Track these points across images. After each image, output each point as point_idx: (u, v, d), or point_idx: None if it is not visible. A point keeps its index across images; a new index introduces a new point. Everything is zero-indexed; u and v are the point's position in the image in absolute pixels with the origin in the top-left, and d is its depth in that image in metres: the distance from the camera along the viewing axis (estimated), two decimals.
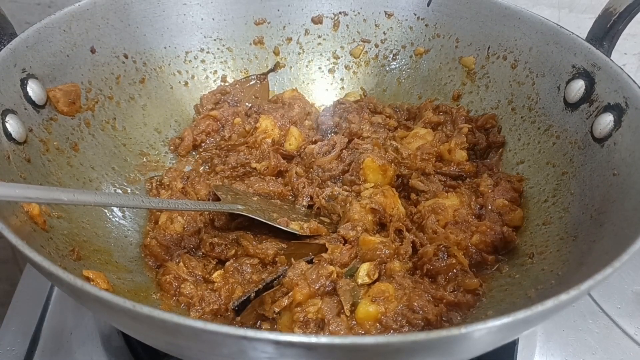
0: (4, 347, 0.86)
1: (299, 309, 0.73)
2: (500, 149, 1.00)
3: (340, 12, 1.15)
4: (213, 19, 1.10)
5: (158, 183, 0.96)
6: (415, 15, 1.11)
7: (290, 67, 1.18)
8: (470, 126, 1.01)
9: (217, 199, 0.89)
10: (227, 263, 0.83)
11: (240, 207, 0.86)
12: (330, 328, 0.71)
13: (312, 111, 1.12)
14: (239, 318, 0.75)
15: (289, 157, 1.02)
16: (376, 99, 1.14)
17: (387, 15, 1.14)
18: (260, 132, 1.02)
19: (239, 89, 1.12)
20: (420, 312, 0.72)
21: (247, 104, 1.11)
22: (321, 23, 1.16)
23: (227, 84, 1.13)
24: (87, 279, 0.72)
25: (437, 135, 1.00)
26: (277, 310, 0.74)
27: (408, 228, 0.85)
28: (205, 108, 1.07)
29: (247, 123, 1.04)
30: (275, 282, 0.77)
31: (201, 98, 1.10)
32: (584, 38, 0.88)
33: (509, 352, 0.87)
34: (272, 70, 1.16)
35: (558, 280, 0.73)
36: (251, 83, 1.14)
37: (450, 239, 0.83)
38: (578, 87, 0.87)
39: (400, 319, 0.72)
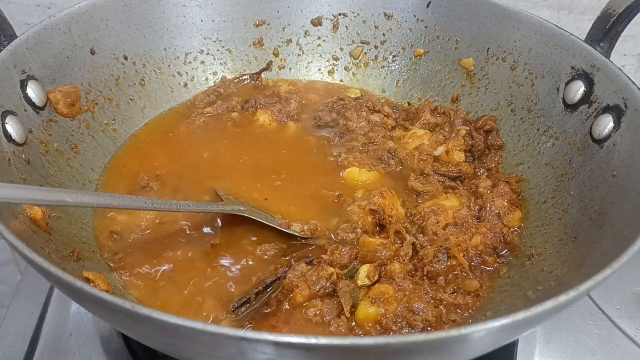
0: (3, 348, 0.86)
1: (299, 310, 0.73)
2: (500, 151, 1.00)
3: (339, 14, 1.16)
4: (213, 21, 1.11)
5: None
6: (415, 16, 1.12)
7: (290, 69, 1.18)
8: (467, 128, 1.01)
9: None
10: None
11: (242, 208, 0.86)
12: (330, 329, 0.71)
13: (309, 104, 1.13)
14: (248, 322, 0.75)
15: None
16: (376, 98, 1.15)
17: (386, 17, 1.14)
18: (258, 127, 1.04)
19: (233, 88, 1.13)
20: (420, 313, 0.72)
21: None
22: (321, 25, 1.16)
23: (219, 83, 1.14)
24: (87, 280, 0.72)
25: (435, 136, 1.01)
26: None
27: (408, 230, 0.85)
28: (198, 107, 1.08)
29: (245, 117, 1.05)
30: (275, 283, 0.77)
31: (195, 97, 1.10)
32: (583, 39, 0.88)
33: (509, 353, 0.87)
34: (265, 69, 1.17)
35: (557, 281, 0.73)
36: (245, 82, 1.15)
37: (450, 241, 0.83)
38: (577, 88, 0.87)
39: (400, 320, 0.72)
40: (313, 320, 0.73)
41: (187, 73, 1.11)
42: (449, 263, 0.79)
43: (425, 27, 1.11)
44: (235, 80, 1.15)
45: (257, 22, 1.14)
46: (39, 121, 0.84)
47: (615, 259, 0.57)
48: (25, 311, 0.91)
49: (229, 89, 1.13)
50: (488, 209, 0.88)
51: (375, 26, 1.15)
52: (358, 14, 1.15)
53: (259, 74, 1.16)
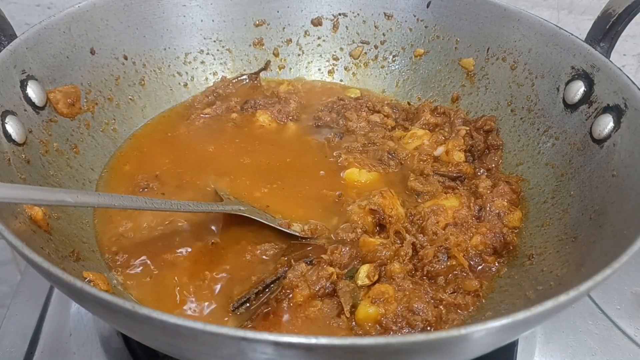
0: (3, 348, 0.86)
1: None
2: (499, 151, 1.00)
3: (339, 14, 1.16)
4: (213, 21, 1.11)
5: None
6: (415, 16, 1.12)
7: (290, 69, 1.18)
8: (467, 128, 1.01)
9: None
10: None
11: (242, 208, 0.86)
12: (330, 329, 0.71)
13: (309, 104, 1.13)
14: (248, 321, 0.75)
15: None
16: (375, 98, 1.15)
17: (386, 17, 1.14)
18: (258, 127, 1.04)
19: (231, 88, 1.13)
20: (420, 313, 0.72)
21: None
22: (321, 25, 1.16)
23: (218, 82, 1.14)
24: (87, 280, 0.72)
25: (435, 136, 1.01)
26: None
27: (408, 230, 0.85)
28: (197, 108, 1.08)
29: (244, 118, 1.05)
30: (275, 283, 0.77)
31: (193, 98, 1.10)
32: (583, 39, 0.88)
33: (509, 353, 0.87)
34: (264, 69, 1.17)
35: (557, 281, 0.73)
36: (244, 83, 1.15)
37: (450, 241, 0.83)
38: (577, 88, 0.87)
39: (400, 320, 0.72)
40: (313, 320, 0.73)
41: (187, 73, 1.11)
42: (449, 263, 0.79)
43: (425, 27, 1.11)
44: (234, 81, 1.15)
45: (257, 22, 1.14)
46: (39, 121, 0.84)
47: (615, 259, 0.57)
48: (25, 311, 0.91)
49: (227, 90, 1.13)
50: (488, 209, 0.88)
51: (375, 26, 1.15)
52: (358, 14, 1.15)
53: (257, 74, 1.17)
